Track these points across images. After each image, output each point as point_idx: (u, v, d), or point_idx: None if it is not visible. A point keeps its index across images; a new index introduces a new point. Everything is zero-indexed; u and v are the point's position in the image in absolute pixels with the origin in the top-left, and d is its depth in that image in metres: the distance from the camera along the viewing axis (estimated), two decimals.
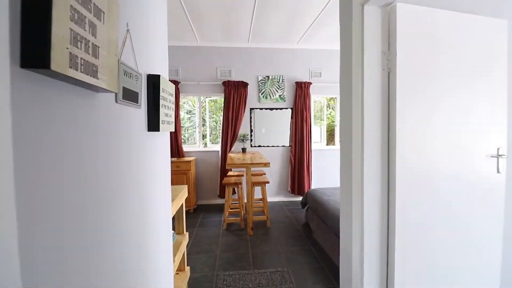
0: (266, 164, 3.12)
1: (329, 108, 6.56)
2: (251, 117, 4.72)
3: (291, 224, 3.61)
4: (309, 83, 4.66)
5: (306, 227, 3.50)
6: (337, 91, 4.62)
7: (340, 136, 1.71)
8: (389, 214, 1.54)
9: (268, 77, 4.69)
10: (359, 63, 1.48)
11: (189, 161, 4.10)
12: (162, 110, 1.18)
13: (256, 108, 4.72)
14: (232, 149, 4.61)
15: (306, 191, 4.63)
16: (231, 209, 4.06)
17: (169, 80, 4.30)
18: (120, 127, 0.87)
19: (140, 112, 1.05)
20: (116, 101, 0.82)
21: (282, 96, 4.73)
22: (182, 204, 1.98)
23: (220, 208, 4.37)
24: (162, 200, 1.35)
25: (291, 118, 4.77)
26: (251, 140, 4.74)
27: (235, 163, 3.09)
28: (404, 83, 1.46)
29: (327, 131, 5.56)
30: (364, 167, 1.50)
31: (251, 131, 4.73)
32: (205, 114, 5.12)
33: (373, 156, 1.51)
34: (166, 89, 1.26)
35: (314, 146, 4.88)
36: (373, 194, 1.52)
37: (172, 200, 1.62)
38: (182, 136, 4.85)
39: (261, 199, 4.25)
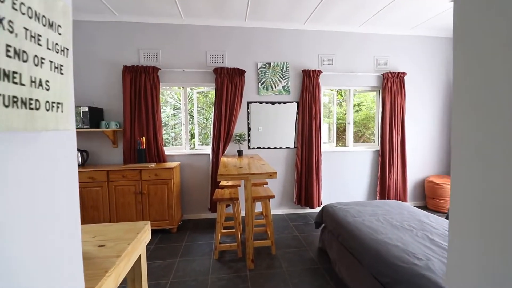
0: (272, 175, 2.30)
1: (342, 102, 5.76)
2: (248, 113, 3.88)
3: (303, 250, 2.80)
4: (319, 72, 3.84)
5: (322, 254, 2.70)
6: (352, 81, 3.81)
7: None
8: None
9: (270, 64, 3.86)
10: None
11: (171, 168, 3.24)
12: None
13: (255, 102, 3.88)
14: (225, 152, 3.76)
15: (315, 202, 3.83)
16: (225, 228, 3.22)
17: (146, 66, 3.40)
18: None
19: None
20: None
21: (286, 87, 3.91)
22: (140, 258, 1.13)
23: (211, 225, 3.53)
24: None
25: (297, 114, 3.95)
26: (249, 140, 3.90)
27: (230, 173, 2.25)
28: None
29: (336, 130, 4.77)
30: None
31: (249, 129, 3.90)
32: (193, 109, 4.25)
33: None
34: None
35: (323, 147, 4.09)
36: None
37: (117, 255, 0.80)
38: (167, 137, 4.00)
39: (261, 213, 3.43)
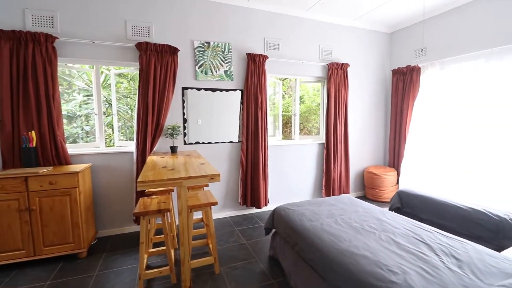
0: (214, 177, 1.78)
1: (284, 95, 5.51)
2: (184, 101, 3.23)
3: (252, 263, 2.38)
4: (265, 57, 3.44)
5: (274, 264, 2.33)
6: (299, 70, 3.49)
7: None
8: None
9: (209, 43, 3.27)
10: None
11: (75, 173, 2.40)
12: None
13: (192, 88, 3.25)
14: (154, 149, 3.05)
15: (262, 201, 3.47)
16: (155, 245, 2.57)
17: (36, 33, 2.41)
18: None
19: None
20: None
21: (229, 72, 3.39)
22: None
23: (138, 241, 2.80)
24: None
25: (241, 103, 3.49)
26: (185, 134, 3.27)
27: (156, 180, 1.64)
28: None
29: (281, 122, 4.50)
30: None
31: (185, 121, 3.25)
32: (111, 95, 3.36)
33: None
34: None
35: (269, 141, 3.74)
36: None
37: None
38: (77, 131, 3.04)
39: (201, 220, 2.90)
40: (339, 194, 4.14)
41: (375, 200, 4.21)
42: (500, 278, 1.29)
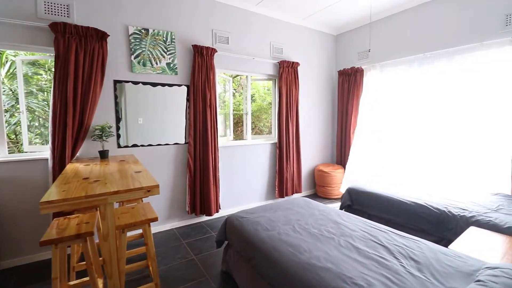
0: (152, 190, 1.44)
1: (235, 93, 5.21)
2: (117, 97, 2.74)
3: (202, 282, 2.08)
4: (214, 50, 3.15)
5: (228, 281, 2.08)
6: (250, 67, 3.23)
7: None
8: None
9: (147, 30, 2.83)
10: None
11: None
12: None
13: (127, 82, 2.78)
14: (78, 155, 2.51)
15: (213, 208, 3.19)
16: (78, 275, 2.07)
17: None
18: None
19: None
20: None
21: (172, 65, 3.00)
22: None
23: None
24: None
25: (188, 100, 3.13)
26: (119, 136, 2.77)
27: (69, 198, 1.23)
28: None
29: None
30: None
31: (118, 120, 2.76)
32: (17, 87, 2.65)
33: None
34: None
35: (220, 141, 3.47)
36: None
37: None
38: None
39: (141, 235, 2.49)
40: (292, 194, 4.10)
41: (326, 197, 4.29)
42: (458, 278, 1.27)
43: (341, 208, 3.21)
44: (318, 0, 3.40)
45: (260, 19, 3.66)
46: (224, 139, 3.95)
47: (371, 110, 4.05)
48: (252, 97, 6.56)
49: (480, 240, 1.80)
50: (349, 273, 1.34)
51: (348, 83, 4.31)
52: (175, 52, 3.00)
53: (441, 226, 2.29)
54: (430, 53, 3.30)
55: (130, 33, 2.74)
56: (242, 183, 3.71)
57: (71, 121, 2.36)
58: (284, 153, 3.91)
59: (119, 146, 2.76)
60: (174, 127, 3.07)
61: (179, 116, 3.10)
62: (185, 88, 3.10)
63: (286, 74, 3.85)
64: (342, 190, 4.16)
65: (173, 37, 2.97)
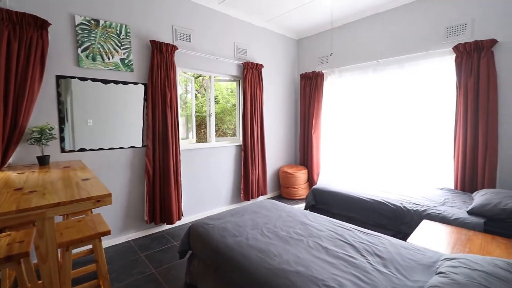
0: (102, 200, 1.25)
1: (197, 94, 4.98)
2: (60, 94, 2.40)
3: None
4: (174, 47, 2.97)
5: None
6: (213, 66, 3.05)
7: None
8: None
9: (98, 21, 2.55)
10: None
11: None
12: None
13: (73, 77, 2.46)
14: (10, 161, 2.13)
15: (175, 215, 3.00)
16: None
17: None
18: None
19: None
20: None
21: (127, 61, 2.74)
22: None
23: None
24: None
25: (145, 100, 2.90)
26: (63, 139, 2.43)
27: None
28: None
29: (189, 123, 4.08)
30: None
31: (63, 121, 2.42)
32: None
33: None
34: None
35: (181, 144, 3.28)
36: None
37: None
38: None
39: (91, 252, 2.22)
40: (257, 196, 4.05)
41: (290, 198, 4.34)
42: (420, 271, 1.33)
43: (305, 208, 3.26)
44: (280, 4, 3.44)
45: (223, 18, 3.57)
46: (186, 141, 3.76)
47: (332, 113, 4.22)
48: (215, 99, 6.42)
49: (433, 232, 1.94)
50: (320, 276, 1.31)
51: (309, 87, 4.44)
52: (130, 47, 2.75)
53: (397, 221, 2.44)
54: (383, 60, 3.55)
55: (76, 23, 2.44)
56: (206, 187, 3.56)
57: (1, 122, 2.00)
58: (249, 155, 3.86)
59: (63, 150, 2.42)
60: (129, 129, 2.81)
61: (136, 117, 2.85)
62: (143, 86, 2.86)
63: (250, 75, 3.82)
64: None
65: (128, 30, 2.73)
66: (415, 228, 2.15)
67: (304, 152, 4.62)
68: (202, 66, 3.40)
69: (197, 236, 1.91)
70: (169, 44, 2.90)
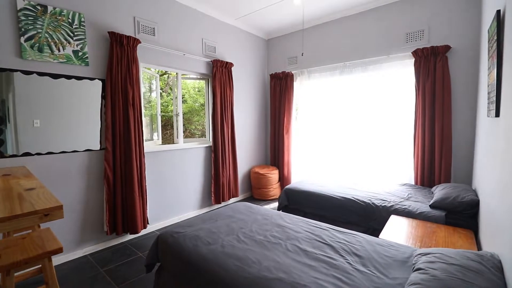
0: (52, 213, 1.05)
1: (163, 93, 4.64)
2: (1, 91, 2.05)
3: None
4: (137, 41, 2.73)
5: None
6: (180, 63, 2.87)
7: None
8: None
9: (45, 7, 2.23)
10: None
11: None
12: None
13: (14, 70, 2.11)
14: None
15: (140, 224, 2.77)
16: None
17: None
18: None
19: None
20: None
21: (81, 54, 2.44)
22: None
23: None
24: None
25: (103, 98, 2.62)
26: (2, 142, 2.08)
27: None
28: None
29: (153, 124, 3.82)
30: None
31: (3, 121, 2.07)
32: None
33: None
34: None
35: (146, 146, 3.04)
36: None
37: None
38: None
39: (39, 271, 1.93)
40: (228, 199, 3.94)
41: (262, 199, 4.30)
42: (397, 267, 1.35)
43: (279, 209, 3.23)
44: (249, 2, 3.38)
45: (191, 13, 3.40)
46: (151, 143, 3.51)
47: (302, 113, 4.27)
48: (182, 97, 6.14)
49: (401, 226, 2.02)
50: (302, 281, 1.26)
51: (280, 87, 4.45)
52: (85, 38, 2.46)
53: (367, 217, 2.52)
54: (349, 62, 3.68)
55: (19, 8, 2.10)
56: (174, 191, 3.35)
57: None
58: (220, 157, 3.73)
59: (2, 155, 2.07)
60: (85, 130, 2.51)
61: (92, 117, 2.55)
62: (100, 82, 2.58)
63: (220, 74, 3.69)
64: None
65: (82, 19, 2.44)
66: (383, 224, 2.24)
67: (274, 152, 4.62)
68: (168, 63, 3.19)
69: (166, 247, 1.75)
70: (130, 36, 2.66)
